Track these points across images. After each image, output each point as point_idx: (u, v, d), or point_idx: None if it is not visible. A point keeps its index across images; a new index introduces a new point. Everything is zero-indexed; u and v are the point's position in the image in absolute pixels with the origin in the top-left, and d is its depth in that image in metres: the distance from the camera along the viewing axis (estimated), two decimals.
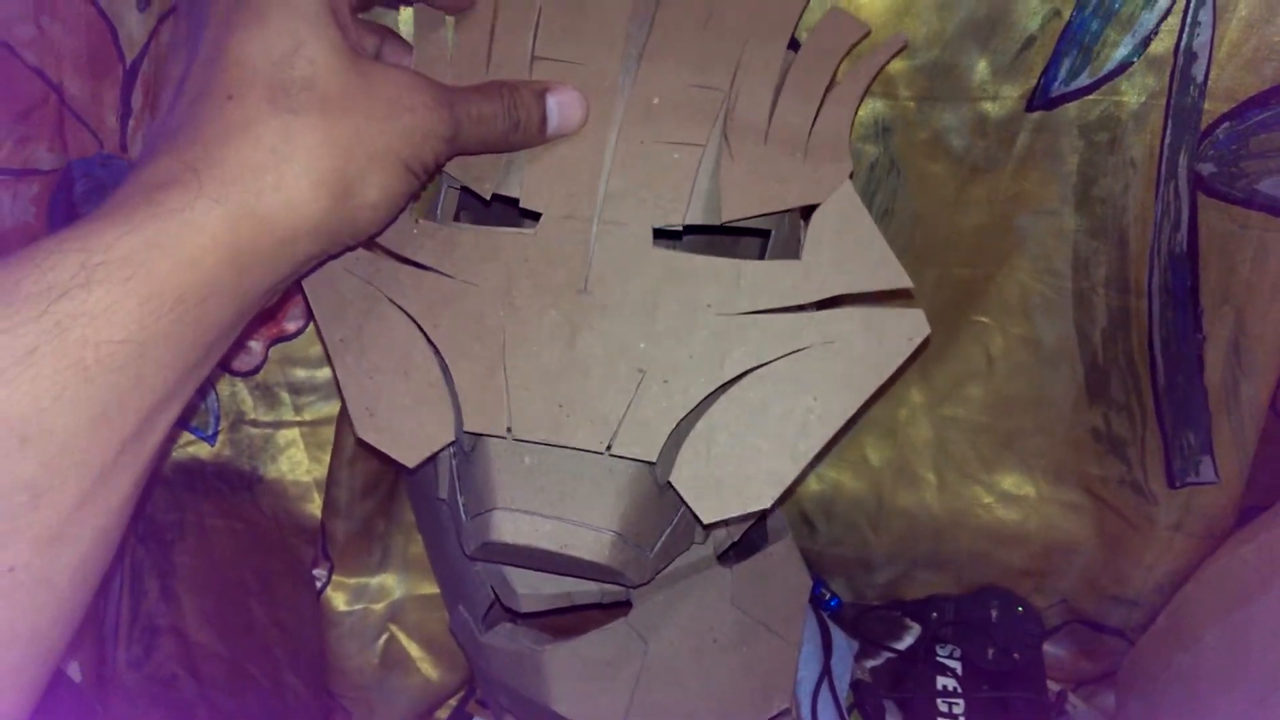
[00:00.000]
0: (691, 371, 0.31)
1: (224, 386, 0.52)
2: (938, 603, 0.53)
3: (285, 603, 0.61)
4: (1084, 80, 0.42)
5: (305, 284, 0.33)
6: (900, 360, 0.33)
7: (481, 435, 0.32)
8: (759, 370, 0.32)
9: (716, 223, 0.32)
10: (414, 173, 0.28)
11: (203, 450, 0.53)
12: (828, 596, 0.54)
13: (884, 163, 0.46)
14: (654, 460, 0.32)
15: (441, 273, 0.32)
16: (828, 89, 0.36)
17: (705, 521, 0.33)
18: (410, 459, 0.32)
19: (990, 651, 0.51)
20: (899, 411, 0.52)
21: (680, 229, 0.33)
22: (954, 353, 0.50)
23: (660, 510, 0.33)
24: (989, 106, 0.44)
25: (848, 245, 0.33)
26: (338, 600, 0.53)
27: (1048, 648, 0.54)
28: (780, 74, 0.35)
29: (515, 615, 0.40)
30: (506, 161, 0.33)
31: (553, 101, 0.31)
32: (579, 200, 0.32)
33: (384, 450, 0.33)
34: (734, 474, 0.32)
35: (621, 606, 0.39)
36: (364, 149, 0.26)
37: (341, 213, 0.26)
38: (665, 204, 0.32)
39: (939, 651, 0.52)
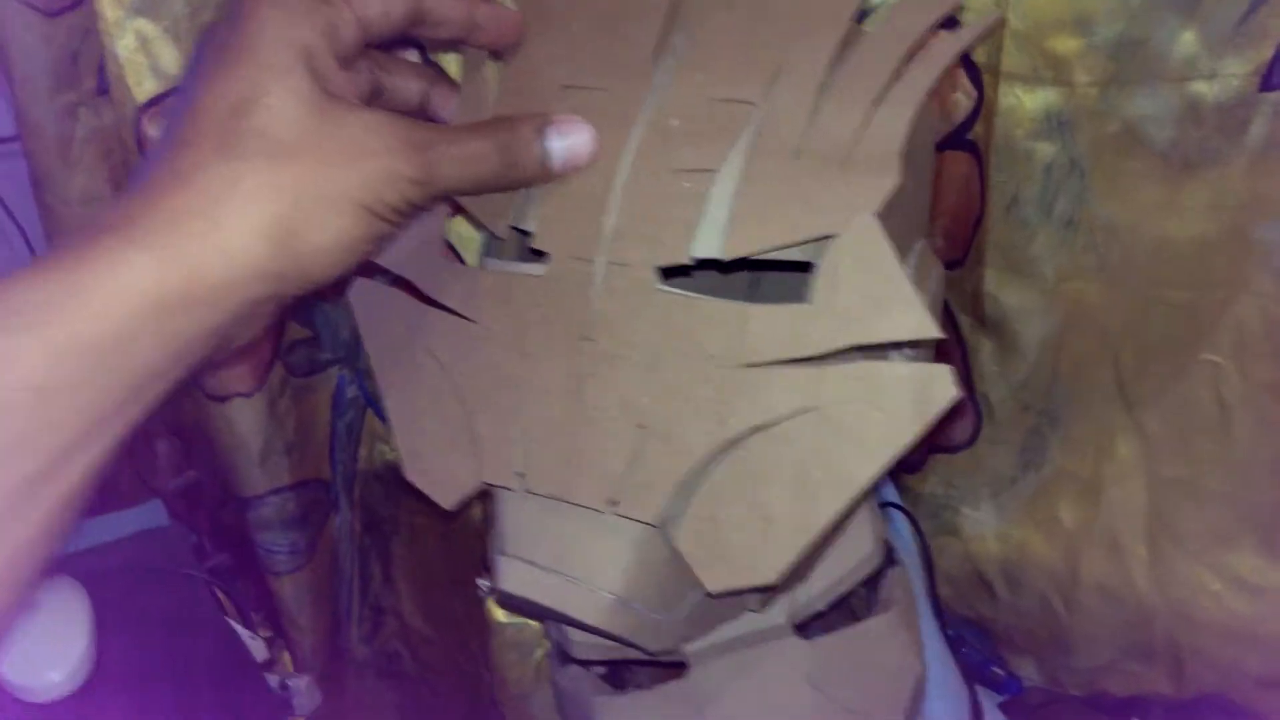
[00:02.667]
0: (693, 430, 0.29)
1: None
2: (1145, 704, 0.43)
3: (479, 602, 0.64)
4: None
5: (363, 331, 0.34)
6: (924, 425, 0.27)
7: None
8: (768, 430, 0.28)
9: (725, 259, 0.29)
10: (377, 215, 0.27)
11: None
12: (1001, 676, 0.45)
13: (1062, 163, 0.38)
14: (654, 523, 0.29)
15: (465, 317, 0.32)
16: (895, 83, 0.30)
17: (711, 591, 0.29)
18: (447, 501, 0.32)
19: None
20: (1104, 467, 0.43)
21: (691, 265, 0.29)
22: (1176, 399, 0.40)
23: (682, 572, 0.30)
24: (1203, 87, 0.35)
25: (866, 286, 0.27)
26: (498, 611, 0.55)
27: None
28: (826, 72, 0.30)
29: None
30: (525, 196, 0.31)
31: (554, 135, 0.30)
32: (586, 239, 0.30)
33: (425, 492, 0.33)
34: (740, 543, 0.29)
35: (682, 667, 0.36)
36: (312, 194, 0.26)
37: (286, 258, 0.26)
38: (670, 240, 0.29)
39: None
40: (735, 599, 0.33)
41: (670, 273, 0.30)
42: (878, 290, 0.27)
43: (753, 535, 0.28)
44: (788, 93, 0.30)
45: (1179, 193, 0.37)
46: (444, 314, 0.32)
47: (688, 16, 0.33)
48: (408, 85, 0.33)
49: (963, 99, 0.41)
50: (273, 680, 0.59)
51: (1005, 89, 0.38)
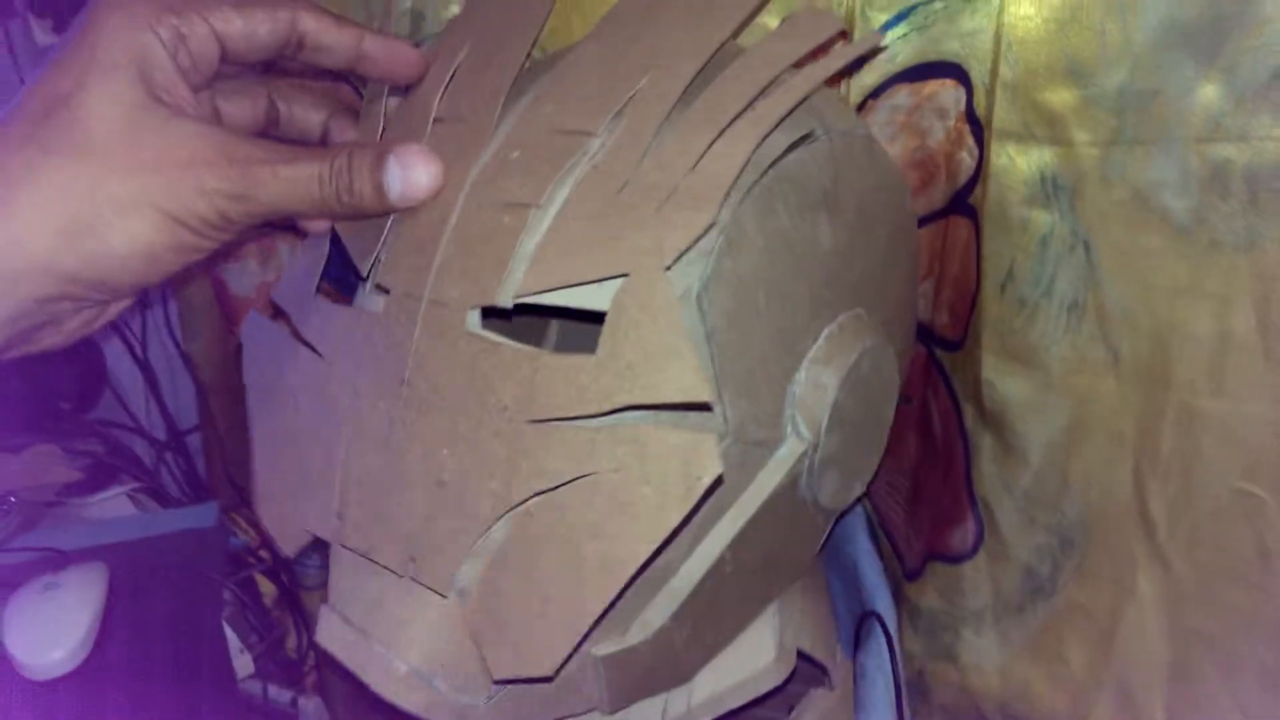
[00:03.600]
0: (482, 490, 0.26)
1: None
2: None
3: None
4: None
5: (245, 364, 0.33)
6: (689, 504, 0.23)
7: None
8: (549, 495, 0.25)
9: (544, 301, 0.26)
10: (186, 226, 0.27)
11: None
12: None
13: (1063, 235, 0.33)
14: (443, 592, 0.26)
15: (318, 352, 0.31)
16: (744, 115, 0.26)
17: (495, 678, 0.26)
18: (288, 548, 0.31)
19: None
20: (1121, 605, 0.35)
21: (508, 309, 0.26)
22: (1208, 534, 0.33)
23: None
24: (1231, 151, 0.29)
25: (644, 341, 0.24)
26: None
27: None
28: (675, 103, 0.27)
29: None
30: (386, 231, 0.30)
31: (394, 164, 0.28)
32: (419, 275, 0.28)
33: (271, 536, 0.32)
34: (521, 625, 0.25)
35: None
36: (111, 195, 0.26)
37: (76, 256, 0.26)
38: (483, 280, 0.27)
39: None
40: (571, 695, 0.29)
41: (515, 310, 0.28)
42: (655, 345, 0.24)
43: (532, 617, 0.25)
44: (632, 123, 0.27)
45: (1203, 276, 0.30)
46: (306, 350, 0.31)
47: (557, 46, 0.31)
48: (307, 115, 0.33)
49: (966, 158, 0.36)
50: (282, 695, 0.60)
51: (997, 148, 0.33)
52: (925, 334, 0.40)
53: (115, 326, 0.78)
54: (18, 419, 0.71)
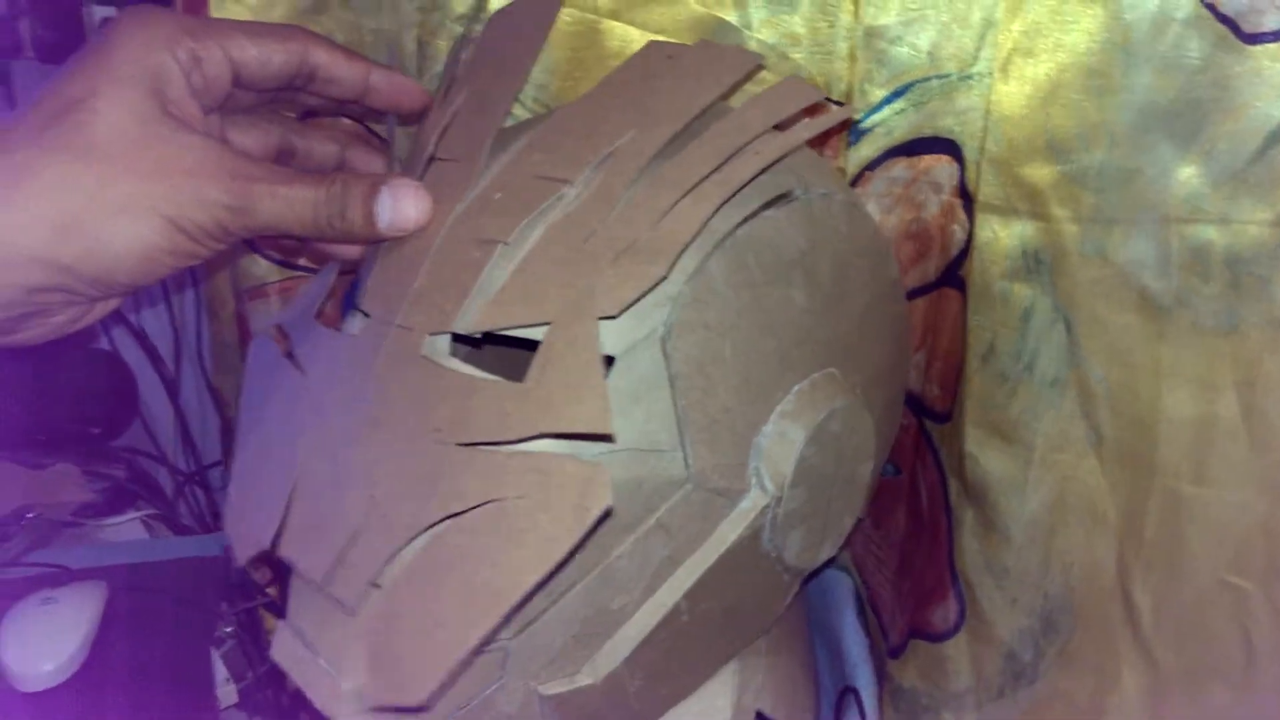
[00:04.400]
0: (403, 509, 0.27)
1: None
2: None
3: None
4: None
5: (244, 383, 0.35)
6: (578, 534, 0.24)
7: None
8: (459, 518, 0.26)
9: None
10: (184, 232, 0.28)
11: None
12: None
13: (1044, 310, 0.32)
14: (352, 612, 0.27)
15: (303, 371, 0.32)
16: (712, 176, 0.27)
17: (369, 705, 0.26)
18: (240, 557, 0.31)
19: None
20: (1104, 698, 0.34)
21: (476, 337, 0.28)
22: (1191, 625, 0.31)
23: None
24: (1213, 233, 0.29)
25: (566, 372, 0.25)
26: None
27: None
28: (650, 160, 0.28)
29: None
30: (375, 259, 0.31)
31: (386, 195, 0.29)
32: (395, 301, 0.29)
33: (231, 545, 0.32)
34: (407, 650, 0.26)
35: None
36: (111, 196, 0.27)
37: (71, 251, 0.27)
38: (446, 308, 0.28)
39: None
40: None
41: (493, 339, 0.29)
42: (575, 379, 0.25)
43: (419, 643, 0.25)
44: (608, 177, 0.28)
45: (1184, 359, 0.30)
46: (295, 370, 0.32)
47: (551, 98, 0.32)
48: (323, 147, 0.35)
49: (958, 231, 0.36)
50: None
51: (982, 221, 0.34)
52: (917, 405, 0.40)
53: (151, 359, 0.80)
54: (47, 439, 0.73)
